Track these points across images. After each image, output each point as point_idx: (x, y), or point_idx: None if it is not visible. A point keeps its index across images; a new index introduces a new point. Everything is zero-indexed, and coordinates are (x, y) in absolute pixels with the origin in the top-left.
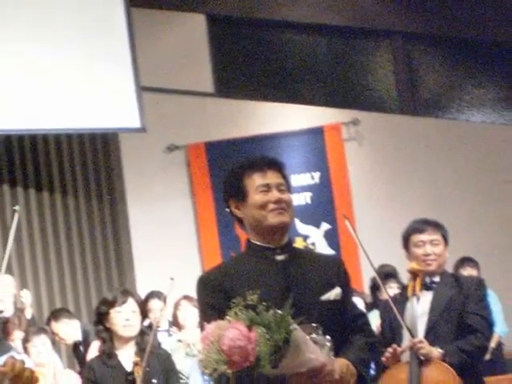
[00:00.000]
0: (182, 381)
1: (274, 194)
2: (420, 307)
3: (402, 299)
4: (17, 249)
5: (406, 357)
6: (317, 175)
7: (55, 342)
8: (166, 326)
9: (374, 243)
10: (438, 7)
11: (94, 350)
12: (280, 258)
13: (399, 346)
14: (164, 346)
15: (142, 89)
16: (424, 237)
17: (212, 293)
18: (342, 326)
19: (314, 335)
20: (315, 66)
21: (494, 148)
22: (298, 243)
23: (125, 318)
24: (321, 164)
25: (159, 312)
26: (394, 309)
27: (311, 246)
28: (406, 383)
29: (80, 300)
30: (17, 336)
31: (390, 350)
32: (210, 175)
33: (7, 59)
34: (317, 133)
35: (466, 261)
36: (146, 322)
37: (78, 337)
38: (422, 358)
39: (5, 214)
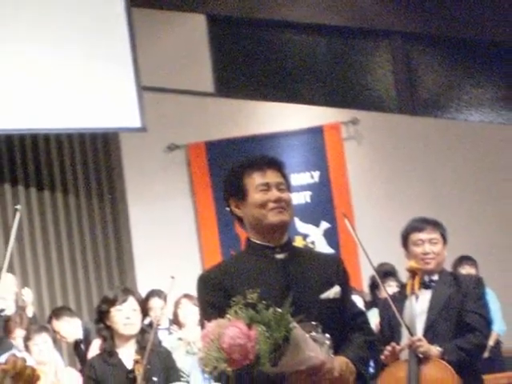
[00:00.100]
0: (182, 379)
1: (274, 193)
2: (419, 305)
3: (400, 297)
4: (18, 247)
5: (404, 355)
6: (316, 174)
7: (56, 340)
8: (166, 324)
9: (373, 242)
10: (437, 7)
11: (94, 348)
12: (280, 256)
13: (398, 344)
14: (164, 344)
15: (142, 88)
16: (423, 235)
17: (212, 291)
18: (342, 324)
19: (313, 333)
20: (315, 66)
21: (493, 147)
22: (298, 242)
23: (125, 317)
24: (320, 163)
25: (160, 310)
26: (393, 307)
27: (311, 245)
28: (404, 381)
29: (81, 298)
30: (18, 334)
31: (388, 348)
32: (210, 174)
33: (8, 59)
34: (316, 132)
35: (464, 259)
36: (147, 321)
37: (79, 335)
38: (420, 356)
39: (6, 213)
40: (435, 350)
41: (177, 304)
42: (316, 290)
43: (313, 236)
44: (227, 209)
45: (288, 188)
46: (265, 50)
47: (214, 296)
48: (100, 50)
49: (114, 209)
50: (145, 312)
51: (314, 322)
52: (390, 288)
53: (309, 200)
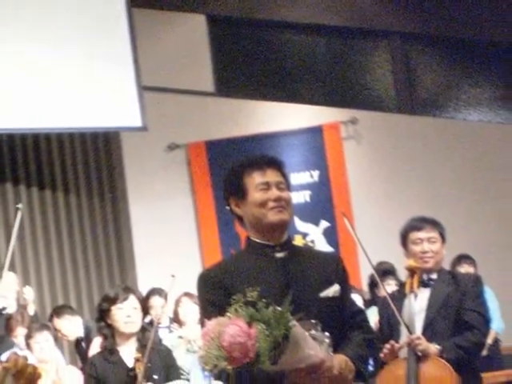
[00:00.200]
0: (182, 377)
1: (274, 192)
2: (418, 304)
3: (399, 296)
4: (20, 246)
5: (403, 353)
6: (316, 174)
7: (57, 339)
8: (166, 322)
9: (372, 241)
10: (436, 8)
11: (95, 347)
12: (279, 255)
13: (397, 342)
14: (165, 342)
15: (143, 88)
16: (422, 234)
17: (212, 290)
18: (341, 322)
19: (313, 331)
20: (314, 66)
21: (491, 147)
22: (298, 241)
23: (126, 315)
24: (320, 162)
25: (160, 309)
26: (392, 305)
27: (310, 244)
28: (403, 379)
29: (82, 297)
30: (19, 332)
31: (387, 346)
32: (210, 174)
33: (9, 59)
34: (316, 132)
35: (463, 258)
36: (147, 319)
37: (80, 333)
38: (419, 354)
39: (8, 212)
40: (434, 348)
41: (177, 302)
42: (315, 289)
43: (312, 235)
44: (227, 208)
45: (288, 187)
46: (265, 50)
47: (215, 294)
48: (101, 50)
49: (115, 208)
50: (145, 310)
51: (313, 321)
52: (389, 286)
53: (308, 199)
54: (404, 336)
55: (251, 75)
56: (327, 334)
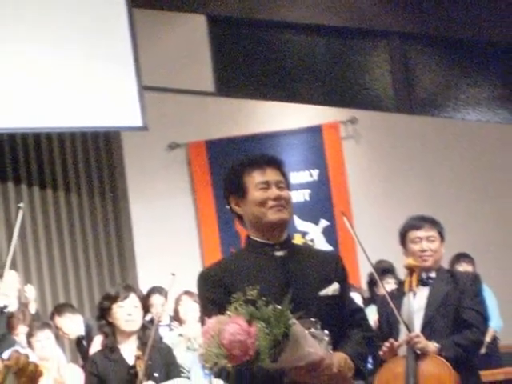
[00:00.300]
0: (183, 374)
1: (274, 191)
2: (416, 302)
3: (398, 294)
4: (21, 245)
5: (402, 351)
6: (315, 173)
7: (59, 337)
8: (167, 320)
9: (371, 239)
10: (434, 8)
11: (96, 345)
12: (279, 254)
13: (396, 340)
14: (165, 340)
15: (143, 88)
16: (420, 233)
17: (212, 288)
18: (340, 320)
19: (312, 330)
20: (314, 66)
21: (489, 146)
22: (297, 239)
23: (127, 313)
24: (319, 162)
25: (161, 307)
26: (391, 304)
27: (310, 243)
28: (402, 377)
29: (83, 295)
30: (21, 330)
31: (387, 344)
32: (210, 173)
33: (11, 59)
34: (315, 131)
35: (461, 257)
36: (148, 317)
37: (81, 331)
38: (418, 352)
39: (9, 211)
40: (433, 346)
41: (177, 301)
42: (315, 287)
43: (312, 234)
44: (227, 207)
45: (287, 186)
46: (264, 50)
47: (215, 293)
48: (102, 50)
49: (116, 207)
50: (146, 309)
51: (313, 319)
52: (388, 285)
53: (308, 198)
54: (403, 334)
55: (251, 75)
56: (327, 332)
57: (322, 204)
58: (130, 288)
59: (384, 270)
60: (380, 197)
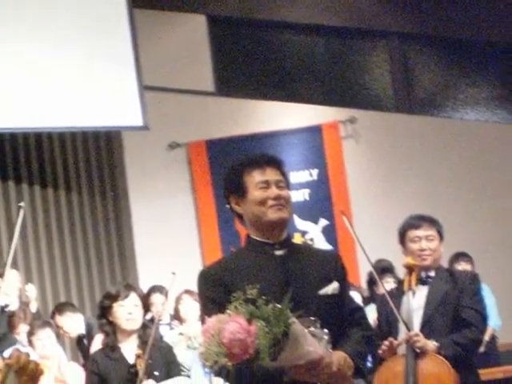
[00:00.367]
0: (183, 373)
1: (273, 191)
2: (416, 301)
3: (398, 293)
4: (22, 244)
5: (402, 349)
6: (315, 172)
7: (59, 335)
8: (167, 319)
9: (370, 239)
10: (433, 8)
11: (97, 343)
12: (279, 253)
13: (395, 339)
14: (166, 339)
15: (144, 88)
16: (420, 232)
17: (213, 287)
18: (340, 319)
19: (312, 328)
20: (313, 66)
21: (488, 146)
22: (297, 239)
23: (127, 312)
24: (319, 161)
25: (161, 306)
26: (391, 303)
27: (309, 242)
28: (402, 375)
29: (84, 294)
30: (22, 329)
31: (386, 343)
32: (210, 172)
33: (12, 59)
34: (315, 131)
35: (460, 256)
36: (148, 316)
37: (82, 330)
38: (417, 350)
39: (10, 210)
40: (432, 344)
41: (178, 300)
42: (315, 286)
43: (311, 233)
44: (227, 206)
45: (287, 186)
46: (264, 50)
47: (215, 292)
48: (103, 50)
49: (117, 206)
50: (146, 307)
51: (312, 318)
52: (388, 284)
53: (307, 197)
54: (402, 333)
55: (251, 75)
56: (326, 330)
57: (322, 203)
58: (131, 287)
59: (383, 269)
60: (379, 196)
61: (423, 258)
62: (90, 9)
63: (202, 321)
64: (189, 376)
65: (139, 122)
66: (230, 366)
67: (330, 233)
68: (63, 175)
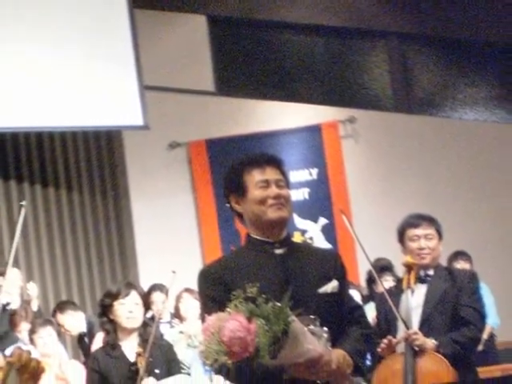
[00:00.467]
0: (183, 371)
1: (273, 190)
2: (414, 300)
3: (397, 292)
4: (23, 243)
5: (401, 348)
6: (314, 171)
7: (61, 334)
8: (168, 317)
9: (369, 237)
10: (432, 9)
11: (98, 341)
12: (279, 251)
13: (394, 337)
14: (166, 337)
15: (144, 88)
16: (418, 231)
17: (213, 285)
18: (339, 317)
19: (311, 327)
20: (313, 66)
21: (487, 145)
22: (297, 237)
23: (128, 310)
24: (318, 161)
25: (161, 304)
26: (390, 301)
27: (309, 241)
28: (401, 373)
29: (85, 292)
30: (23, 327)
31: (385, 341)
32: (210, 172)
33: (13, 59)
34: (314, 130)
35: (459, 254)
36: (149, 314)
37: (83, 328)
38: (416, 349)
39: (12, 209)
40: (431, 343)
41: (178, 298)
42: (314, 285)
43: (311, 232)
44: (227, 205)
45: (287, 185)
46: (264, 50)
47: (215, 290)
48: (103, 50)
49: (117, 205)
50: (147, 306)
51: (312, 316)
52: (387, 282)
53: (307, 196)
54: (401, 331)
55: (251, 75)
56: (326, 329)
57: (321, 202)
58: (131, 285)
59: (382, 267)
60: (378, 195)
61: (422, 257)
62: (91, 9)
63: (203, 319)
64: (189, 374)
65: (140, 122)
66: (230, 363)
67: (329, 232)
68: (64, 174)
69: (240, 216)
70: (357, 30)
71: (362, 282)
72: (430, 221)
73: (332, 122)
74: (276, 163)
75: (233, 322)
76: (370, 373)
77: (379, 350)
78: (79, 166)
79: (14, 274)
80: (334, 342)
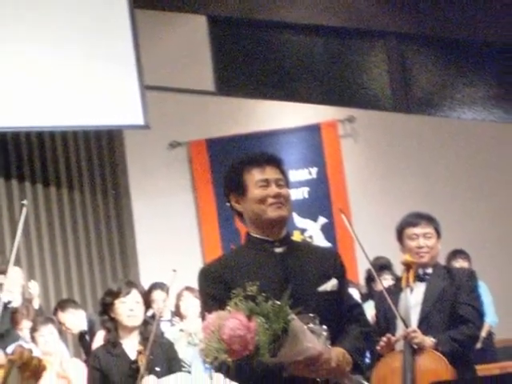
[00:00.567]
0: (183, 369)
1: (273, 189)
2: (413, 298)
3: (396, 290)
4: (25, 242)
5: (399, 346)
6: (314, 171)
7: (62, 332)
8: (168, 316)
9: (369, 236)
10: (431, 9)
11: (99, 340)
12: (278, 250)
13: (393, 335)
14: (167, 335)
15: (145, 87)
16: (417, 230)
17: (213, 284)
18: (338, 316)
19: (311, 325)
20: (312, 66)
21: (485, 145)
22: (296, 236)
23: (129, 309)
24: (318, 160)
25: (162, 303)
26: (389, 299)
27: (308, 239)
28: (400, 371)
29: (86, 291)
30: (25, 325)
31: (384, 339)
32: (211, 171)
33: (14, 59)
34: (314, 130)
35: (457, 253)
36: (150, 313)
37: (84, 326)
38: (415, 346)
39: (13, 208)
40: (429, 340)
41: (178, 296)
42: (314, 283)
43: (310, 230)
44: (227, 204)
45: (286, 184)
46: (264, 50)
47: (215, 288)
48: (105, 50)
49: (118, 204)
50: (147, 304)
51: (311, 314)
52: (386, 281)
53: (307, 196)
54: (400, 329)
55: (251, 75)
56: (325, 327)
57: (321, 201)
58: (132, 284)
59: (381, 266)
60: (377, 194)
61: (421, 256)
62: (92, 9)
63: (203, 317)
64: (189, 372)
65: (140, 121)
66: (230, 362)
67: (328, 230)
68: (65, 174)
69: (240, 215)
70: (356, 30)
71: (361, 281)
72: (429, 219)
73: (331, 121)
74: (276, 162)
75: (233, 321)
76: (370, 370)
77: (378, 347)
78: (80, 165)
79: (15, 273)
80: (334, 340)
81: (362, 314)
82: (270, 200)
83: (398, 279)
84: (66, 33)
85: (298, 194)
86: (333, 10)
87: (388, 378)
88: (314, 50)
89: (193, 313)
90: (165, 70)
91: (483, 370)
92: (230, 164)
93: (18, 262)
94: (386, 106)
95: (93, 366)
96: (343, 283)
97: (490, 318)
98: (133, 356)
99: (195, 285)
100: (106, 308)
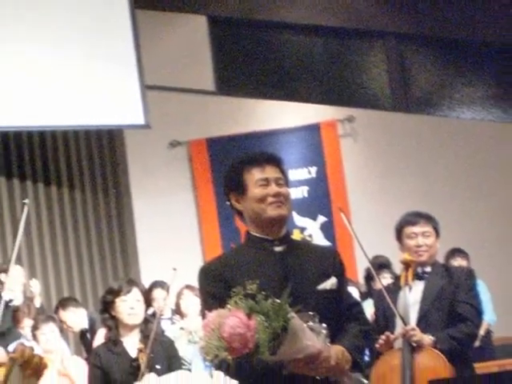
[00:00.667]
0: (184, 367)
1: (273, 188)
2: (412, 296)
3: (394, 289)
4: (26, 240)
5: (398, 344)
6: (313, 170)
7: (63, 330)
8: (169, 314)
9: (368, 235)
10: (430, 9)
11: (100, 338)
12: (278, 249)
13: (392, 333)
14: (167, 333)
15: (146, 87)
16: (416, 229)
17: (213, 282)
18: (338, 314)
19: (310, 323)
20: (312, 66)
21: (484, 144)
22: (296, 235)
23: (130, 307)
24: (317, 159)
25: (162, 301)
26: (388, 298)
27: (308, 238)
28: (399, 369)
29: (87, 289)
30: (26, 324)
31: (383, 337)
32: (211, 170)
33: (15, 59)
34: (313, 129)
35: (456, 252)
36: (150, 311)
37: (85, 325)
38: (414, 344)
39: (15, 207)
40: (428, 339)
41: (179, 295)
42: (313, 282)
43: (310, 229)
44: (227, 203)
45: (286, 183)
46: (264, 50)
47: (215, 287)
48: (105, 50)
49: (119, 203)
50: (148, 302)
51: (311, 312)
52: (385, 279)
53: (306, 195)
54: (399, 327)
55: (251, 74)
56: (324, 325)
57: (320, 200)
58: (133, 282)
59: (380, 264)
60: (377, 193)
61: (420, 254)
62: (92, 10)
63: (203, 315)
64: (190, 370)
65: (141, 121)
66: (230, 359)
67: (328, 229)
68: (66, 173)
69: (240, 214)
70: (355, 31)
71: (361, 279)
72: (428, 218)
73: (331, 121)
74: (275, 162)
75: (233, 319)
76: (369, 368)
77: (377, 345)
78: (81, 164)
79: (16, 271)
80: (333, 338)
81: (362, 312)
82: (270, 199)
83: (396, 278)
84: (66, 33)
85: (297, 193)
86: (332, 10)
87: (387, 376)
88: (313, 50)
89: (193, 311)
90: (165, 70)
91: (481, 367)
92: (230, 163)
93: (19, 261)
94: (385, 105)
95: (94, 363)
96: (342, 282)
97: (489, 317)
98: (133, 354)
99: (195, 283)
100: (106, 306)
